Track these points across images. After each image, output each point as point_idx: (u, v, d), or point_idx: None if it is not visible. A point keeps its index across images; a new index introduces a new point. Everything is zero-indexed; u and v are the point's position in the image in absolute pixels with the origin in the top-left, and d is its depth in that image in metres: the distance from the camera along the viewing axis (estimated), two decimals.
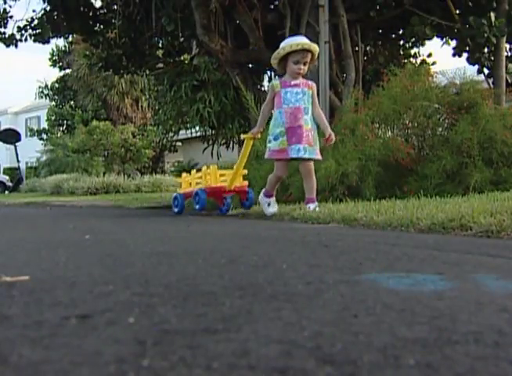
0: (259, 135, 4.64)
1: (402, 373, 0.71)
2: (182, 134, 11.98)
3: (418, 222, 3.16)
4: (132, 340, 0.86)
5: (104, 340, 0.86)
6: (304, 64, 4.32)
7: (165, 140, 15.53)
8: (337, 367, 0.73)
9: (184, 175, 6.01)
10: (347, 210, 3.92)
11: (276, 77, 4.36)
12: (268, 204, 4.64)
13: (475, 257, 1.92)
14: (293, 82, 4.39)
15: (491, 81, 7.94)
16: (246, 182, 5.22)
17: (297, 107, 4.35)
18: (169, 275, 1.51)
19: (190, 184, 5.67)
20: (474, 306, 1.09)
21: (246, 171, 5.25)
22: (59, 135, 26.57)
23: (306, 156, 4.31)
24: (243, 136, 4.75)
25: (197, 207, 5.17)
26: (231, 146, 10.17)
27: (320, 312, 1.05)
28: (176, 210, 5.71)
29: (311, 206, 4.30)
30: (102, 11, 10.59)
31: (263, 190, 4.72)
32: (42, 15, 10.11)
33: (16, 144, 23.15)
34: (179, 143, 22.16)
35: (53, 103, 28.82)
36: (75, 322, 0.98)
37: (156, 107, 13.40)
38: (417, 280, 1.41)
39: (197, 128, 10.11)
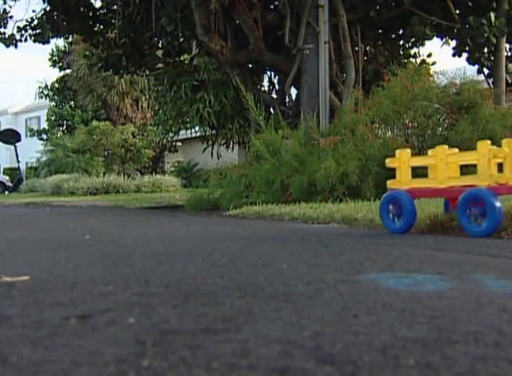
0: None
1: (402, 373, 0.71)
2: (182, 134, 11.99)
3: (418, 222, 3.16)
4: (132, 340, 0.86)
5: (104, 340, 0.86)
6: None
7: (165, 140, 15.55)
8: (337, 367, 0.73)
9: (405, 152, 3.21)
10: (347, 210, 3.92)
11: None
12: None
13: (475, 257, 1.92)
14: None
15: (491, 81, 7.95)
16: None
17: None
18: (169, 275, 1.51)
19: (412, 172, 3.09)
20: (474, 306, 1.09)
21: None
22: (59, 135, 26.55)
23: None
24: None
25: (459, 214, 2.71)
26: (231, 146, 10.17)
27: (320, 312, 1.05)
28: (398, 225, 2.99)
29: None
30: (102, 11, 10.59)
31: None
32: (42, 15, 10.11)
33: (16, 144, 23.16)
34: (179, 143, 22.15)
35: (53, 103, 28.80)
36: (75, 322, 0.98)
37: (156, 107, 13.39)
38: (417, 280, 1.41)
39: (197, 128, 10.11)
